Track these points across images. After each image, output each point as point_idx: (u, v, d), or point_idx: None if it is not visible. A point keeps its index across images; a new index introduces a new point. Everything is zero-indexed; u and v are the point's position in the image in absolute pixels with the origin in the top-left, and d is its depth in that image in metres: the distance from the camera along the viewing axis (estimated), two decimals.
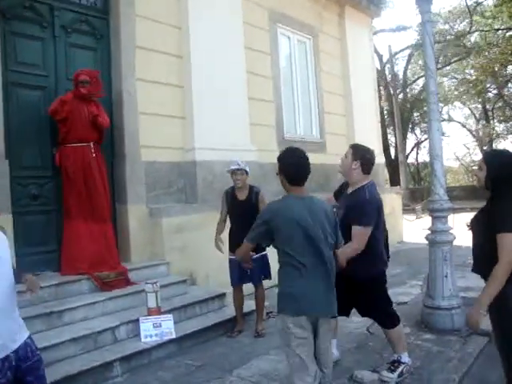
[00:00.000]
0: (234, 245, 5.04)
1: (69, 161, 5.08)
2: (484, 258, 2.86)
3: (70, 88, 5.18)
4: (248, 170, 5.02)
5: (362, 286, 3.72)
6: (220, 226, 5.21)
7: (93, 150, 5.21)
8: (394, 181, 21.30)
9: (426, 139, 23.16)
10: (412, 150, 21.38)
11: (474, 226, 2.99)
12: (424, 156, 27.54)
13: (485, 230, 2.83)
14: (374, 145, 10.20)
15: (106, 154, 5.68)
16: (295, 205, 2.86)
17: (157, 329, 4.57)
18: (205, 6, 6.53)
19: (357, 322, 4.89)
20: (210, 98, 6.52)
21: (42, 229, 5.14)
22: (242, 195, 5.03)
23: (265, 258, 5.04)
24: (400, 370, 3.79)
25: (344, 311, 4.01)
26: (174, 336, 4.60)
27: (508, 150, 3.09)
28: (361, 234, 3.56)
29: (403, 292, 6.35)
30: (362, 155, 3.75)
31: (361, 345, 4.55)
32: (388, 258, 3.93)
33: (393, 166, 21.25)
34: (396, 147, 20.19)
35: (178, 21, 6.35)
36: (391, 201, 10.17)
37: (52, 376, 3.76)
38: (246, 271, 5.00)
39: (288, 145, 8.04)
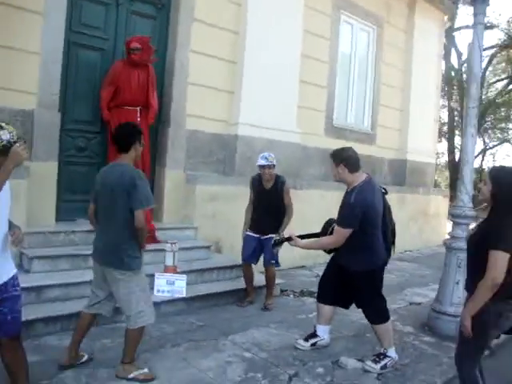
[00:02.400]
0: (254, 225, 5.31)
1: (114, 122, 5.45)
2: (474, 274, 2.90)
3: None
4: (275, 162, 5.15)
5: (354, 278, 3.88)
6: (248, 211, 5.40)
7: (138, 114, 5.55)
8: (455, 184, 20.54)
9: (494, 146, 21.97)
10: (478, 155, 20.38)
11: (469, 240, 3.02)
12: (489, 163, 26.14)
13: (478, 246, 2.86)
14: (428, 143, 10.03)
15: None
16: (102, 171, 3.50)
17: (169, 286, 4.88)
18: None
19: (361, 313, 4.99)
20: (261, 76, 6.70)
21: (84, 179, 5.57)
22: (268, 184, 5.22)
23: None
24: (384, 362, 3.91)
25: (343, 303, 4.22)
26: (184, 295, 4.86)
27: None
28: (338, 233, 3.75)
29: (421, 293, 6.36)
30: (341, 157, 3.79)
31: (358, 334, 4.67)
32: (389, 255, 4.00)
33: (456, 168, 20.46)
34: (461, 150, 19.25)
35: None
36: (436, 203, 9.99)
37: (71, 309, 4.25)
38: (256, 250, 5.27)
39: (336, 132, 8.26)
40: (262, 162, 5.11)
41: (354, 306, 4.21)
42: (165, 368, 3.63)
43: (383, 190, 4.02)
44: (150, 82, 5.56)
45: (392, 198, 8.64)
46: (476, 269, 2.87)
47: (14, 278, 2.75)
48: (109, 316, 3.63)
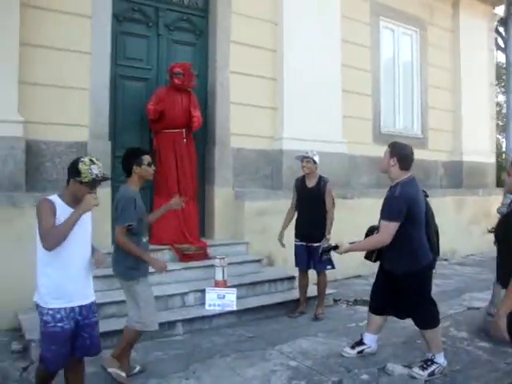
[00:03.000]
0: (299, 231, 5.39)
1: (162, 145, 5.79)
2: (504, 267, 2.86)
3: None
4: (317, 159, 5.23)
5: (400, 280, 3.83)
6: (289, 214, 5.53)
7: (184, 136, 5.86)
8: None
9: None
10: None
11: (497, 232, 2.98)
12: None
13: (504, 237, 2.82)
14: (485, 142, 9.66)
15: (200, 139, 6.36)
16: None
17: (220, 300, 5.10)
18: (301, 1, 6.81)
19: None
20: (302, 90, 6.82)
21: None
22: (310, 183, 5.31)
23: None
24: (432, 369, 3.82)
25: (395, 312, 4.10)
26: (234, 308, 5.10)
27: None
28: (384, 228, 3.73)
29: (481, 298, 6.10)
30: (398, 152, 3.80)
31: (408, 341, 4.59)
32: (434, 257, 3.92)
33: None
34: (506, 147, 18.01)
35: (272, 16, 6.74)
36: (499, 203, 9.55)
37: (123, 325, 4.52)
38: (311, 258, 5.31)
39: (385, 138, 8.21)
40: (302, 154, 5.26)
41: None
42: (212, 377, 3.78)
43: (425, 194, 3.99)
44: (192, 105, 5.84)
45: (448, 202, 8.53)
46: (505, 260, 2.82)
47: (94, 304, 3.01)
48: None
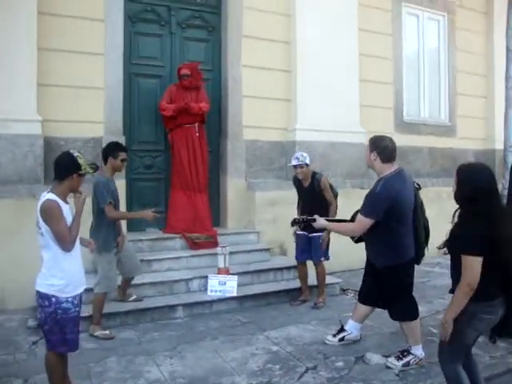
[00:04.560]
0: None
1: (176, 140, 6.09)
2: (454, 276, 2.90)
3: None
4: (308, 161, 5.31)
5: (382, 273, 3.90)
6: (299, 206, 5.66)
7: (197, 130, 6.14)
8: None
9: None
10: None
11: (449, 245, 2.97)
12: None
13: (451, 249, 2.85)
14: None
15: (214, 132, 6.62)
16: None
17: (221, 286, 5.37)
18: None
19: None
20: (316, 81, 6.87)
21: (153, 193, 6.32)
22: (305, 182, 5.43)
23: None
24: (407, 360, 3.89)
25: (381, 303, 4.14)
26: (235, 294, 5.35)
27: (481, 164, 2.97)
28: (358, 222, 3.74)
29: None
30: (376, 145, 3.76)
31: (397, 332, 4.61)
32: (421, 254, 3.92)
33: None
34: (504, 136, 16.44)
35: (285, 8, 6.83)
36: None
37: (128, 307, 4.91)
38: (308, 248, 5.45)
39: (408, 127, 8.12)
40: (294, 162, 5.34)
41: None
42: (195, 357, 4.07)
43: (416, 186, 3.95)
44: (198, 100, 6.08)
45: None
46: (454, 271, 2.86)
47: None
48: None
